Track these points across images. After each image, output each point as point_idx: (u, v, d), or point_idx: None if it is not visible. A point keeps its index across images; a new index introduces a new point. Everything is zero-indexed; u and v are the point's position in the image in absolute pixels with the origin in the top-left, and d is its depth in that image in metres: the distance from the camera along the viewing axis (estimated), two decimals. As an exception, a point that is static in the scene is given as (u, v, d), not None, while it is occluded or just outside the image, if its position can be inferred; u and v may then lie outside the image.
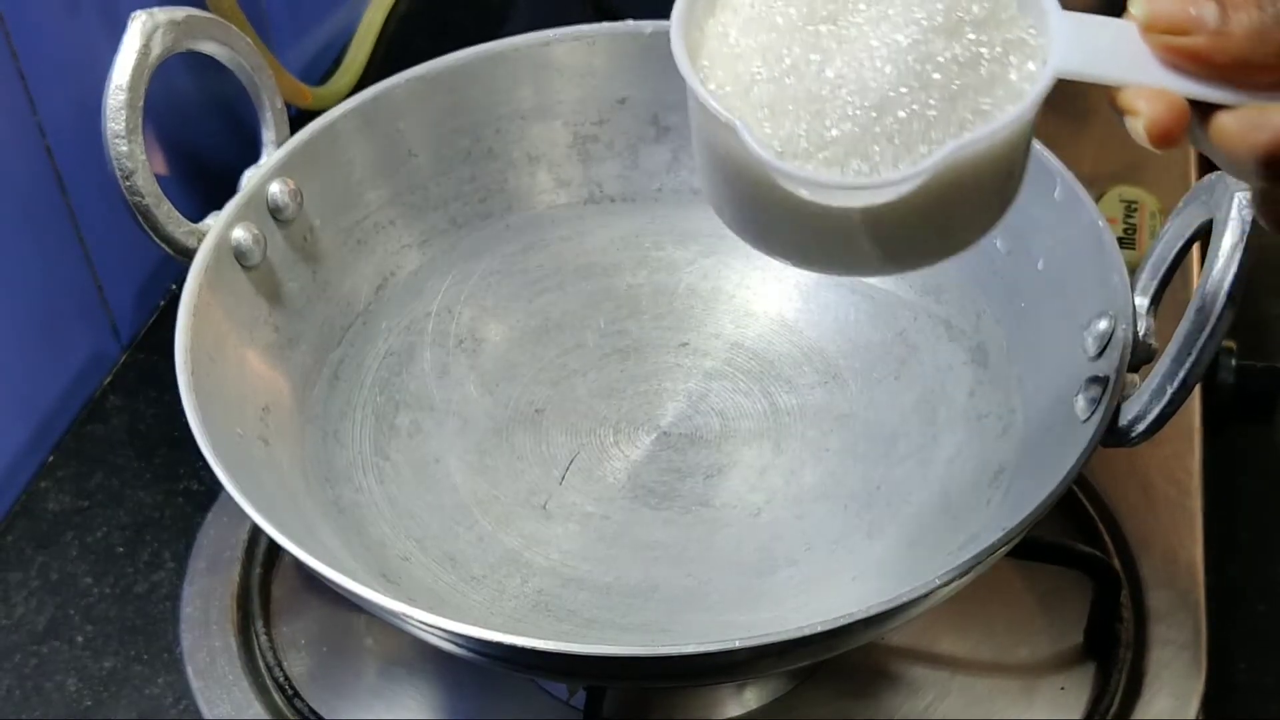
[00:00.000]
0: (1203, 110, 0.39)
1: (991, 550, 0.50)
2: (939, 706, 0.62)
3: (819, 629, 0.47)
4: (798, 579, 0.59)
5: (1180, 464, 0.69)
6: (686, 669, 0.51)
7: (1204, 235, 0.53)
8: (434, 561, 0.60)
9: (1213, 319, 0.49)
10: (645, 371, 0.67)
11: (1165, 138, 0.38)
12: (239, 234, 0.62)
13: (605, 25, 0.71)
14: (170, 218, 0.61)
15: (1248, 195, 0.50)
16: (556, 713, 0.61)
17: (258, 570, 0.66)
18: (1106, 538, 0.66)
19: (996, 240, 0.66)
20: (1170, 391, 0.51)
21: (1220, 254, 0.50)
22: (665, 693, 0.62)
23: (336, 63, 0.97)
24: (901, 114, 0.42)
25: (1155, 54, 0.39)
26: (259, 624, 0.64)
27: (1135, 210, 0.82)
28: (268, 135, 0.67)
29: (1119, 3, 0.42)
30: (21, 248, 0.71)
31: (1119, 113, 0.40)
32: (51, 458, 0.74)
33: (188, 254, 0.61)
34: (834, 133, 0.42)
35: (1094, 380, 0.56)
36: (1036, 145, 0.63)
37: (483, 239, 0.72)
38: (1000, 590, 0.65)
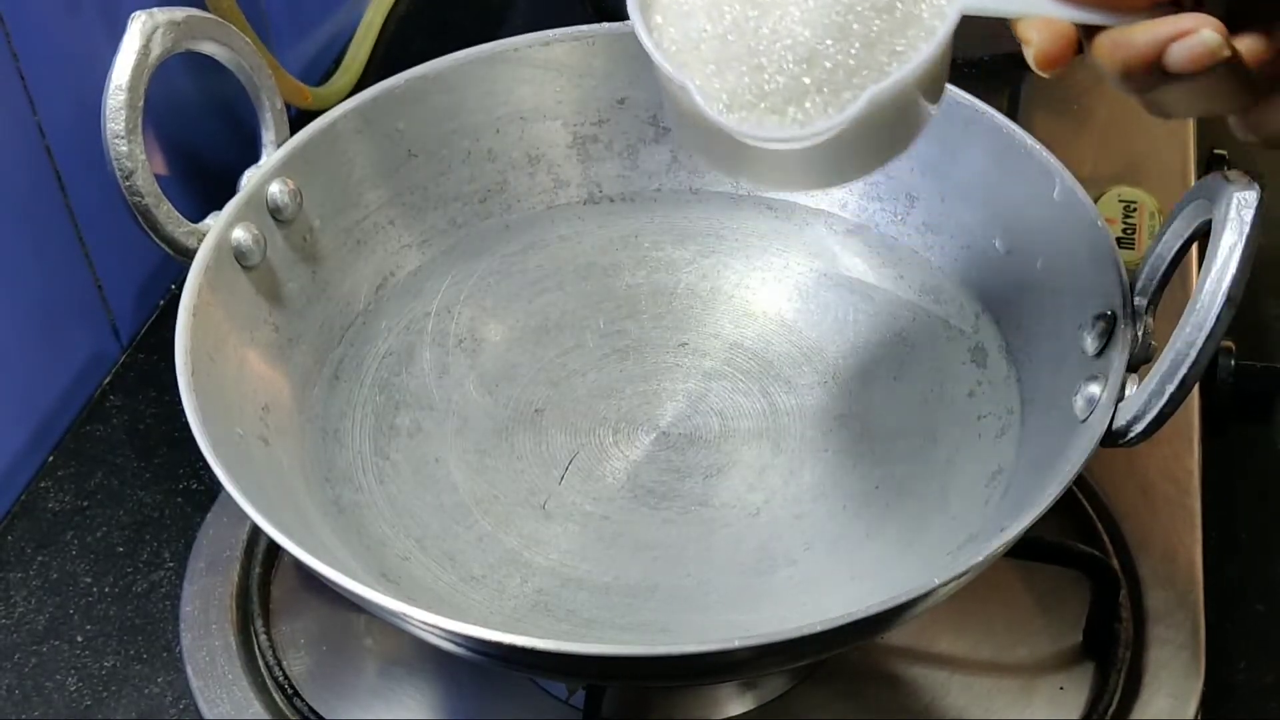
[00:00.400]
0: (1089, 32, 0.45)
1: (991, 550, 0.50)
2: (938, 706, 0.62)
3: (819, 629, 0.47)
4: (797, 579, 0.59)
5: (1179, 464, 0.69)
6: (686, 669, 0.51)
7: (1203, 235, 0.53)
8: (434, 561, 0.60)
9: (1212, 319, 0.49)
10: (644, 371, 0.67)
11: (1051, 63, 0.45)
12: (239, 234, 0.62)
13: (605, 25, 0.71)
14: (170, 218, 0.61)
15: (1248, 195, 0.50)
16: (556, 712, 0.62)
17: (258, 570, 0.66)
18: (1105, 538, 0.66)
19: (996, 240, 0.66)
20: (1169, 391, 0.51)
21: (1219, 254, 0.50)
22: (665, 692, 0.62)
23: (336, 63, 0.97)
24: (828, 64, 0.48)
25: None
26: (259, 623, 0.64)
27: (1134, 210, 0.82)
28: (268, 135, 0.67)
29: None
30: (21, 248, 0.71)
31: (1019, 41, 0.46)
32: (51, 457, 0.74)
33: (188, 254, 0.61)
34: (771, 85, 0.49)
35: (1093, 380, 0.56)
36: (1036, 145, 0.63)
37: (483, 239, 0.72)
38: (999, 590, 0.65)
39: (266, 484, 0.57)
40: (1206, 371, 0.53)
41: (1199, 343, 0.50)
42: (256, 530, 0.67)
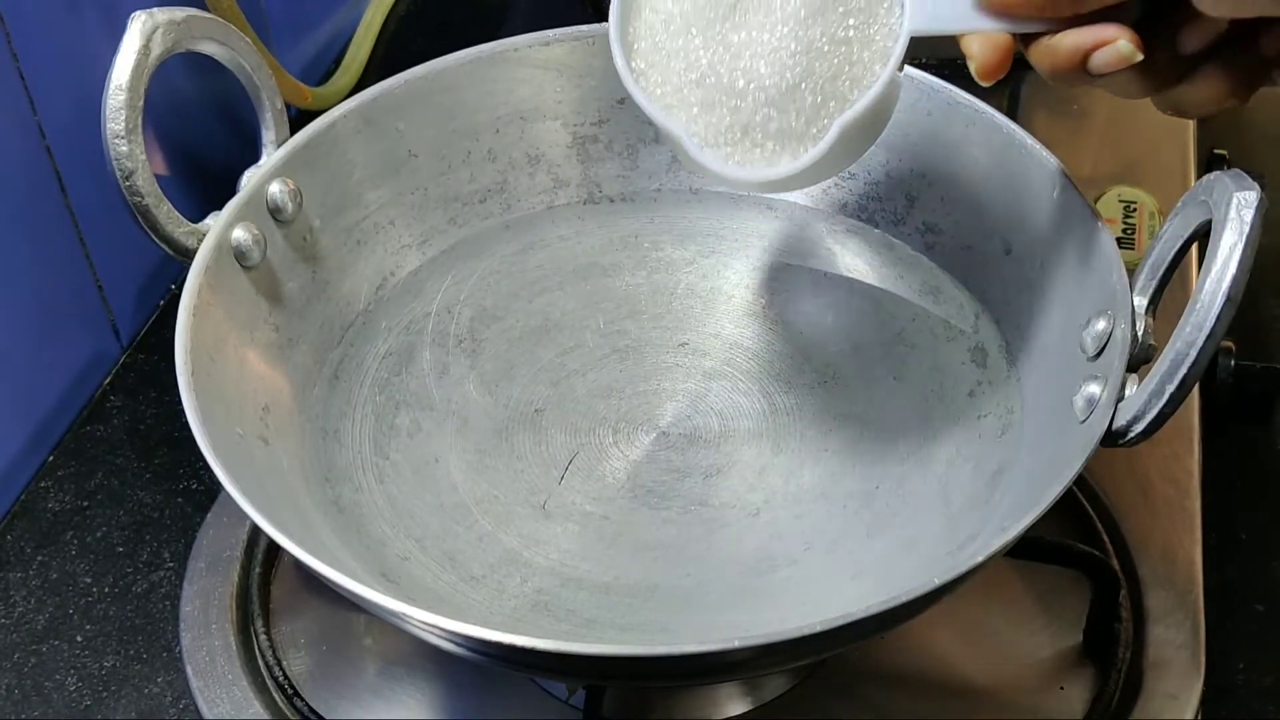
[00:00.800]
0: (1025, 40, 0.51)
1: (991, 550, 0.50)
2: (938, 707, 0.62)
3: (818, 629, 0.47)
4: (797, 579, 0.59)
5: (1179, 464, 0.69)
6: (686, 669, 0.51)
7: (1203, 235, 0.53)
8: (433, 561, 0.60)
9: (1211, 319, 0.49)
10: (644, 371, 0.67)
11: (992, 73, 0.51)
12: (239, 234, 0.62)
13: (605, 25, 0.71)
14: (170, 218, 0.61)
15: (1248, 195, 0.50)
16: (556, 712, 0.62)
17: (258, 570, 0.66)
18: (1105, 538, 0.66)
19: (996, 240, 0.66)
20: (1169, 391, 0.51)
21: (1219, 254, 0.50)
22: (665, 692, 0.62)
23: (336, 63, 0.97)
24: (794, 108, 0.54)
25: (981, 5, 0.50)
26: (259, 623, 0.64)
27: (1134, 210, 0.82)
28: (268, 135, 0.67)
29: None
30: (21, 248, 0.71)
31: (964, 54, 0.51)
32: (52, 457, 0.74)
33: (188, 254, 0.61)
34: (751, 123, 0.55)
35: (1093, 380, 0.56)
36: (1036, 145, 0.63)
37: (483, 239, 0.72)
38: (999, 590, 0.65)
39: (266, 484, 0.57)
40: (1206, 371, 0.53)
41: (1199, 343, 0.50)
42: (256, 530, 0.67)
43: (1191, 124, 0.88)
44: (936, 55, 0.74)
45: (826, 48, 0.54)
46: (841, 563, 0.59)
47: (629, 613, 0.58)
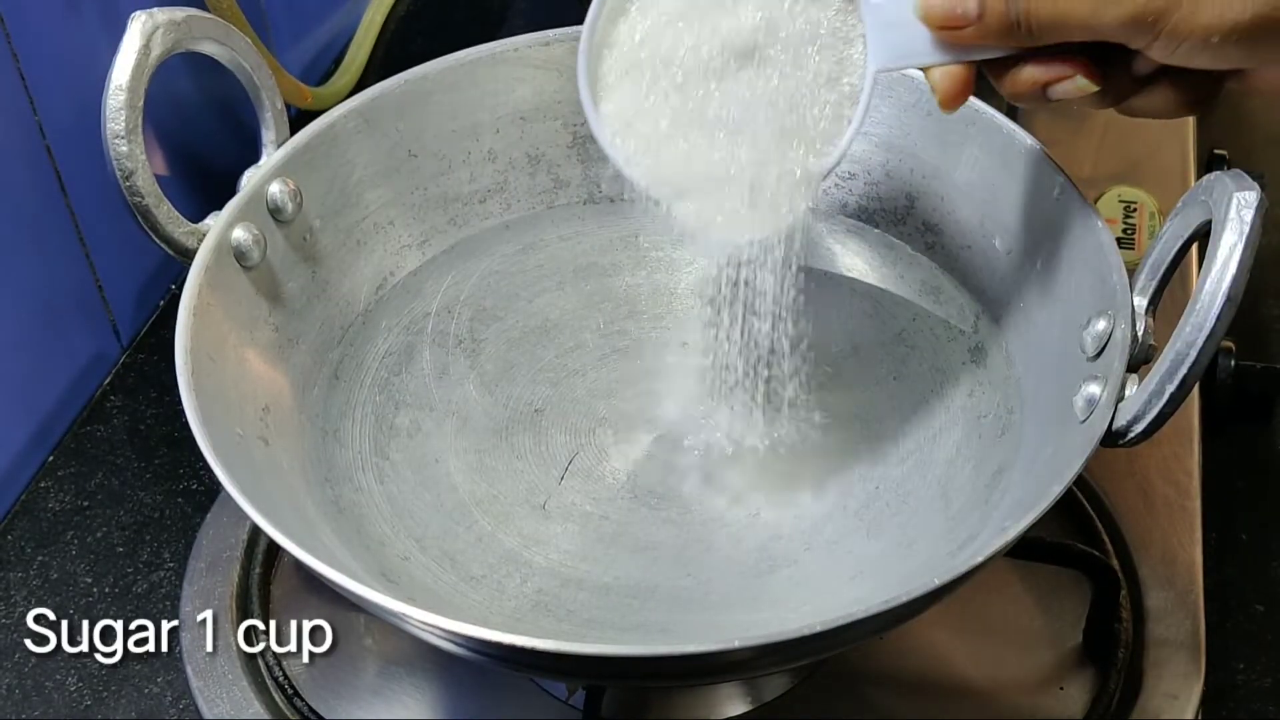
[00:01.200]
0: (989, 65, 0.53)
1: (991, 550, 0.50)
2: (938, 707, 0.62)
3: (818, 629, 0.47)
4: (797, 579, 0.59)
5: (1179, 464, 0.69)
6: (686, 669, 0.51)
7: (1203, 235, 0.53)
8: (433, 561, 0.60)
9: (1212, 319, 0.49)
10: (644, 371, 0.67)
11: (952, 103, 0.53)
12: (239, 234, 0.62)
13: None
14: (170, 218, 0.61)
15: (1248, 195, 0.50)
16: (556, 712, 0.62)
17: (258, 570, 0.66)
18: (1105, 538, 0.66)
19: (996, 240, 0.66)
20: (1169, 392, 0.51)
21: (1219, 254, 0.50)
22: (664, 692, 0.62)
23: (336, 63, 0.97)
24: (774, 175, 0.56)
25: (938, 41, 0.52)
26: (259, 624, 0.64)
27: (1134, 211, 0.82)
28: (268, 135, 0.67)
29: None
30: (21, 248, 0.71)
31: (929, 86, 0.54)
32: (52, 457, 0.74)
33: (188, 254, 0.61)
34: (732, 205, 0.56)
35: (1093, 380, 0.56)
36: (1036, 145, 0.63)
37: (483, 239, 0.72)
38: (999, 590, 0.65)
39: (266, 484, 0.57)
40: (1206, 371, 0.52)
41: (1199, 343, 0.50)
42: (256, 530, 0.67)
43: (1191, 124, 0.88)
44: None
45: (803, 114, 0.55)
46: (841, 563, 0.59)
47: (629, 613, 0.58)
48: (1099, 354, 0.57)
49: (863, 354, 0.67)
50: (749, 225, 0.57)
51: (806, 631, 0.47)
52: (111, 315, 0.79)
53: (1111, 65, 0.51)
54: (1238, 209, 0.50)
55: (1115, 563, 0.65)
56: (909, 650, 0.63)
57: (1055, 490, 0.51)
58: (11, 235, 0.70)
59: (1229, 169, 0.52)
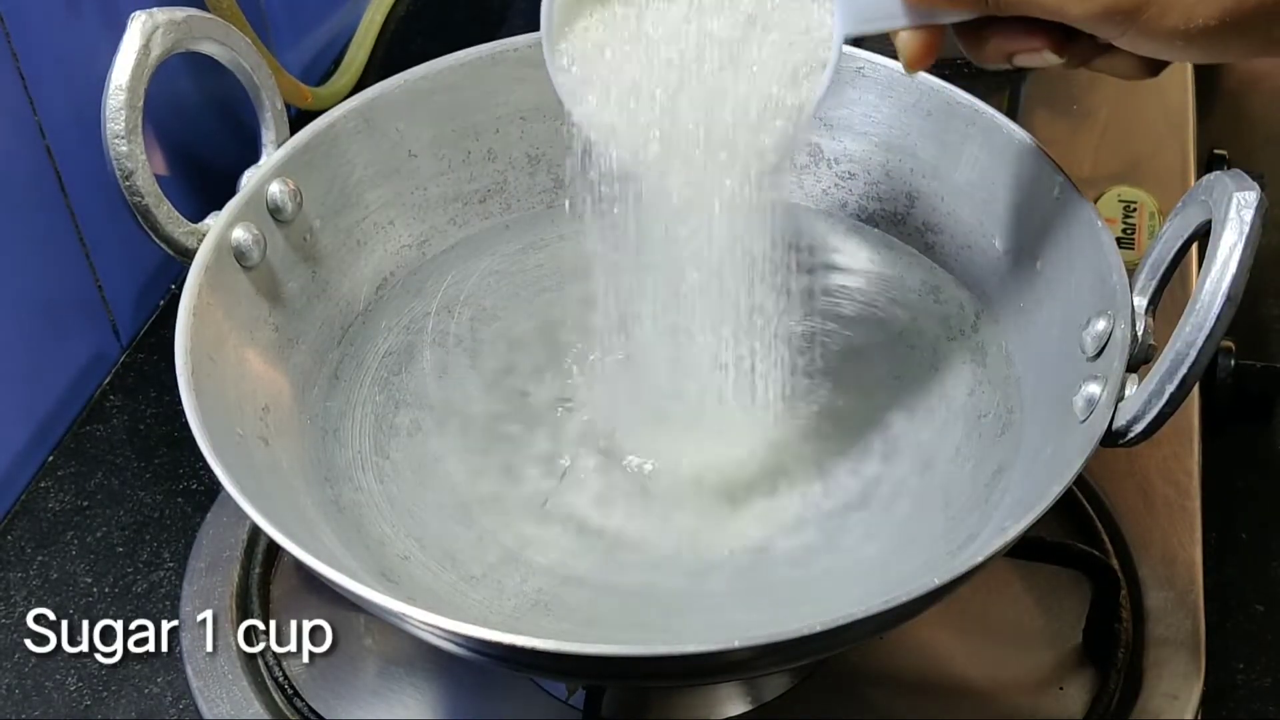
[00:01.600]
0: (958, 29, 0.53)
1: (991, 550, 0.50)
2: (938, 706, 0.62)
3: (818, 629, 0.47)
4: (797, 579, 0.59)
5: (1179, 464, 0.69)
6: (685, 668, 0.51)
7: (1203, 235, 0.53)
8: (433, 561, 0.60)
9: (1212, 319, 0.49)
10: (645, 371, 0.67)
11: (917, 65, 0.53)
12: (239, 234, 0.62)
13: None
14: (170, 218, 0.61)
15: (1248, 195, 0.50)
16: (556, 712, 0.62)
17: (258, 570, 0.66)
18: (1105, 538, 0.66)
19: (996, 240, 0.66)
20: (1169, 391, 0.51)
21: (1219, 254, 0.50)
22: (664, 692, 0.62)
23: (336, 63, 0.97)
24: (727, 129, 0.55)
25: (908, 5, 0.52)
26: (259, 624, 0.64)
27: (1134, 210, 0.82)
28: (267, 135, 0.67)
29: None
30: (21, 248, 0.71)
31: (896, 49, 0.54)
32: (52, 457, 0.74)
33: (188, 254, 0.61)
34: (687, 148, 0.56)
35: (1093, 380, 0.56)
36: (1036, 145, 0.63)
37: (483, 239, 0.72)
38: (999, 590, 0.65)
39: (266, 484, 0.57)
40: (1206, 371, 0.52)
41: (1199, 343, 0.50)
42: (256, 530, 0.67)
43: (1191, 124, 0.88)
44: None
45: (773, 84, 0.55)
46: (841, 563, 0.59)
47: (629, 613, 0.58)
48: (1099, 354, 0.57)
49: (863, 354, 0.67)
50: (705, 170, 0.57)
51: (806, 631, 0.47)
52: (111, 315, 0.79)
53: (1077, 33, 0.52)
54: (1238, 209, 0.50)
55: (1115, 563, 0.65)
56: (909, 650, 0.63)
57: (1055, 490, 0.51)
58: (11, 235, 0.70)
59: (1229, 169, 0.52)
